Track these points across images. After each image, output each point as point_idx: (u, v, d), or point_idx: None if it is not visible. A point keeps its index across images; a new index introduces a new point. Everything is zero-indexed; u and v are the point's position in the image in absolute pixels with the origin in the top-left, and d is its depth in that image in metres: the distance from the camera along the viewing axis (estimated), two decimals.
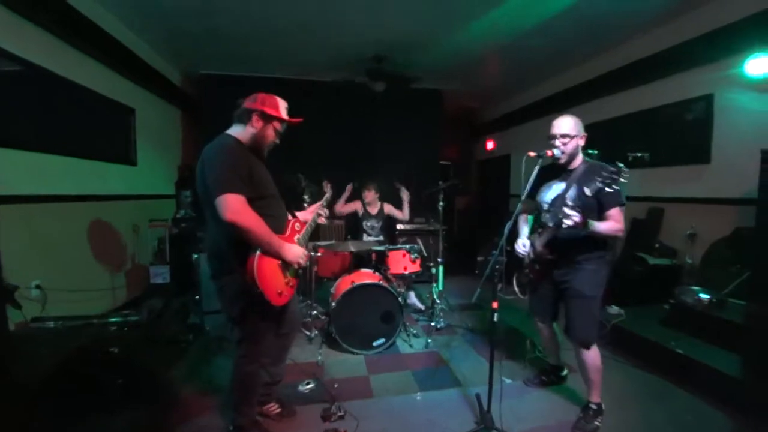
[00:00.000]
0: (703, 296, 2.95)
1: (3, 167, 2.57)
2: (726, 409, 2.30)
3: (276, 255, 1.76)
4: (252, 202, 1.69)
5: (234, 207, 1.60)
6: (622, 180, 1.74)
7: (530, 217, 2.46)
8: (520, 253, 2.30)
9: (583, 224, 1.87)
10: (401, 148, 5.98)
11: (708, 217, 3.45)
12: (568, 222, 1.84)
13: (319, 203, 2.32)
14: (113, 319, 2.87)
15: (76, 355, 2.18)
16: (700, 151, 3.55)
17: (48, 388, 1.95)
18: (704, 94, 3.52)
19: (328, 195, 2.53)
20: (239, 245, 1.68)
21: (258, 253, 1.69)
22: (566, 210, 1.84)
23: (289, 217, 2.03)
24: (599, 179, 1.79)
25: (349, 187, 4.17)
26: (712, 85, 3.44)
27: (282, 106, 1.90)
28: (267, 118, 1.84)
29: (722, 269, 3.14)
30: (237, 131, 1.84)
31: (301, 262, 1.87)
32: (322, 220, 2.28)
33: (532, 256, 2.26)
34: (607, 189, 1.78)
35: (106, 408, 2.04)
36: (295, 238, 1.96)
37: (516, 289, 2.43)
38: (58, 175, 3.14)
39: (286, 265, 1.83)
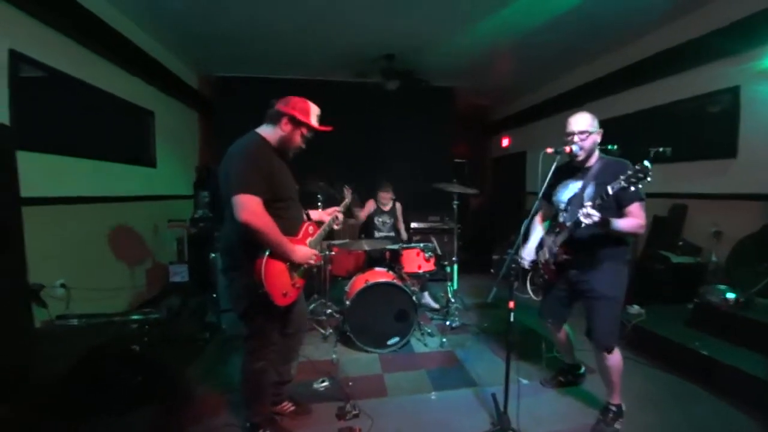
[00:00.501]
0: (730, 296, 2.84)
1: (29, 170, 2.64)
2: (753, 412, 2.21)
3: (285, 257, 1.77)
4: (270, 203, 1.71)
5: (249, 208, 1.62)
6: (648, 180, 1.67)
7: (547, 222, 2.40)
8: (523, 261, 2.25)
9: (603, 223, 1.81)
10: (414, 146, 5.97)
11: (734, 214, 3.32)
12: (587, 221, 1.78)
13: (337, 208, 2.32)
14: (134, 317, 2.94)
15: (98, 352, 2.24)
16: (725, 145, 3.42)
17: (70, 384, 2.01)
18: (730, 86, 3.38)
19: (347, 201, 2.53)
20: (250, 243, 1.70)
21: (267, 255, 1.70)
22: (587, 210, 1.77)
23: (305, 219, 2.04)
24: (623, 178, 1.72)
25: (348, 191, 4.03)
26: (739, 77, 3.31)
27: (313, 112, 1.91)
28: (296, 123, 1.86)
29: (750, 267, 3.02)
30: (266, 131, 1.87)
31: (311, 261, 1.89)
32: (337, 226, 2.28)
33: (547, 256, 2.21)
34: (631, 188, 1.71)
35: (125, 405, 2.08)
36: (307, 241, 1.97)
37: (529, 289, 2.38)
38: (80, 177, 3.23)
39: (294, 266, 1.84)
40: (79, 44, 3.18)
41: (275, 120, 1.85)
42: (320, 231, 2.08)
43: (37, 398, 1.91)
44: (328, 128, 1.95)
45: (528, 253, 2.30)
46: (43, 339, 2.52)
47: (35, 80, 2.80)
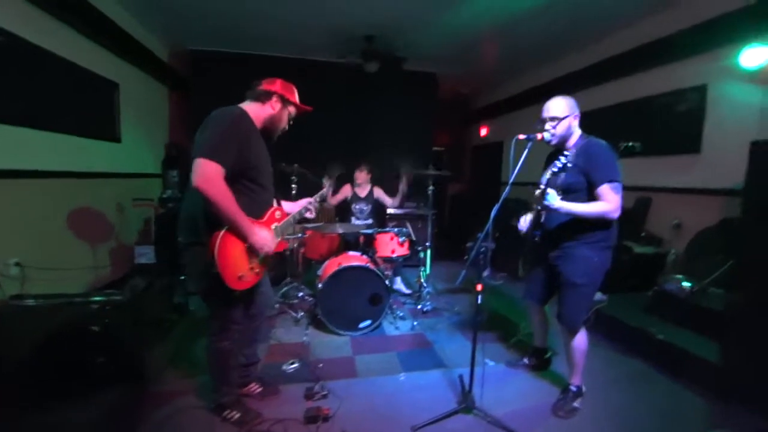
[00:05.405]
0: (686, 284, 2.98)
1: None
2: (705, 394, 2.35)
3: (242, 235, 1.68)
4: (240, 179, 1.67)
5: (206, 174, 1.55)
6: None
7: None
8: (520, 229, 2.22)
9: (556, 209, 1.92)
10: (394, 131, 5.91)
11: (695, 207, 3.47)
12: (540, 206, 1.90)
13: (311, 198, 2.29)
14: (95, 298, 2.82)
15: (55, 333, 2.14)
16: (690, 141, 3.54)
17: (26, 366, 1.92)
18: (698, 84, 3.50)
19: (324, 191, 2.50)
20: (214, 218, 1.63)
21: (224, 230, 1.63)
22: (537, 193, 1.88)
23: (274, 205, 1.99)
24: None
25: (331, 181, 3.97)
26: (707, 76, 3.43)
27: (296, 93, 1.95)
28: (285, 102, 1.89)
29: (706, 258, 3.18)
30: (250, 107, 1.83)
31: (268, 250, 1.78)
32: (310, 215, 2.25)
33: (524, 230, 2.22)
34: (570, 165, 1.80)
35: (86, 387, 2.01)
36: (272, 226, 1.91)
37: (521, 269, 2.43)
38: (38, 150, 3.03)
39: (252, 249, 1.76)
40: (36, 6, 2.94)
41: (263, 99, 1.83)
42: (288, 218, 2.03)
43: None
44: (309, 108, 2.00)
45: (523, 219, 2.24)
46: None
47: None
